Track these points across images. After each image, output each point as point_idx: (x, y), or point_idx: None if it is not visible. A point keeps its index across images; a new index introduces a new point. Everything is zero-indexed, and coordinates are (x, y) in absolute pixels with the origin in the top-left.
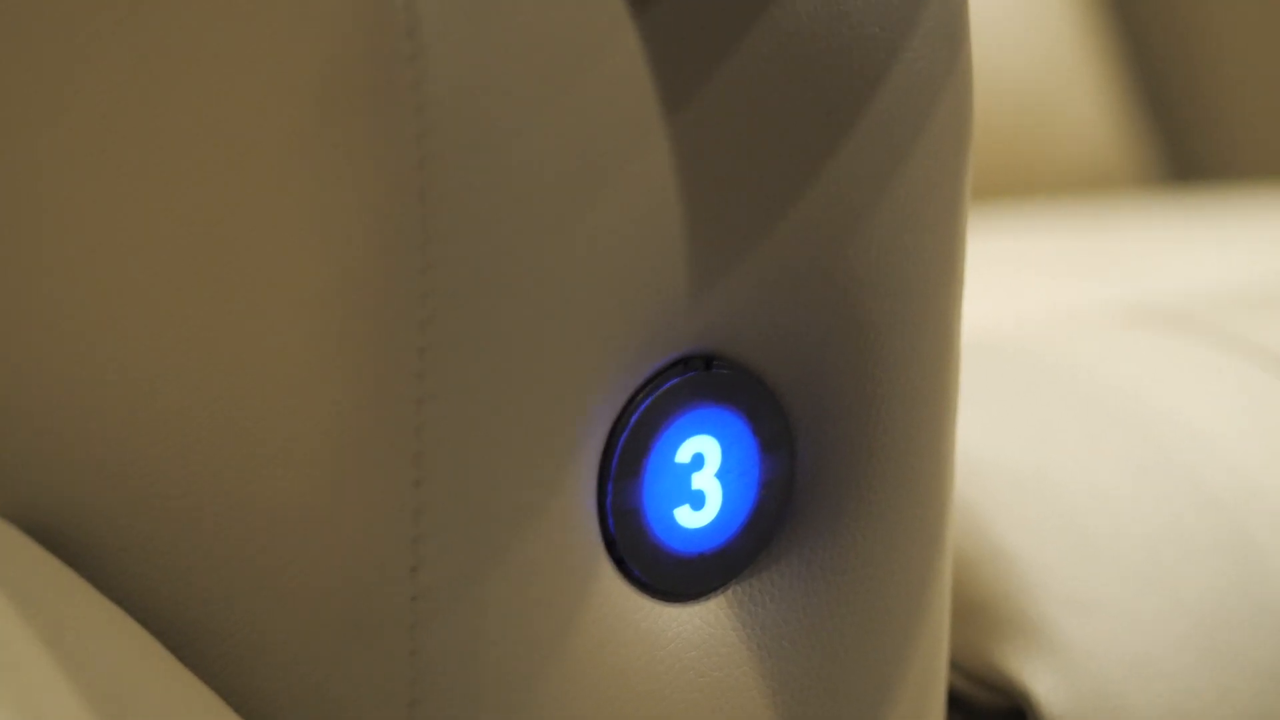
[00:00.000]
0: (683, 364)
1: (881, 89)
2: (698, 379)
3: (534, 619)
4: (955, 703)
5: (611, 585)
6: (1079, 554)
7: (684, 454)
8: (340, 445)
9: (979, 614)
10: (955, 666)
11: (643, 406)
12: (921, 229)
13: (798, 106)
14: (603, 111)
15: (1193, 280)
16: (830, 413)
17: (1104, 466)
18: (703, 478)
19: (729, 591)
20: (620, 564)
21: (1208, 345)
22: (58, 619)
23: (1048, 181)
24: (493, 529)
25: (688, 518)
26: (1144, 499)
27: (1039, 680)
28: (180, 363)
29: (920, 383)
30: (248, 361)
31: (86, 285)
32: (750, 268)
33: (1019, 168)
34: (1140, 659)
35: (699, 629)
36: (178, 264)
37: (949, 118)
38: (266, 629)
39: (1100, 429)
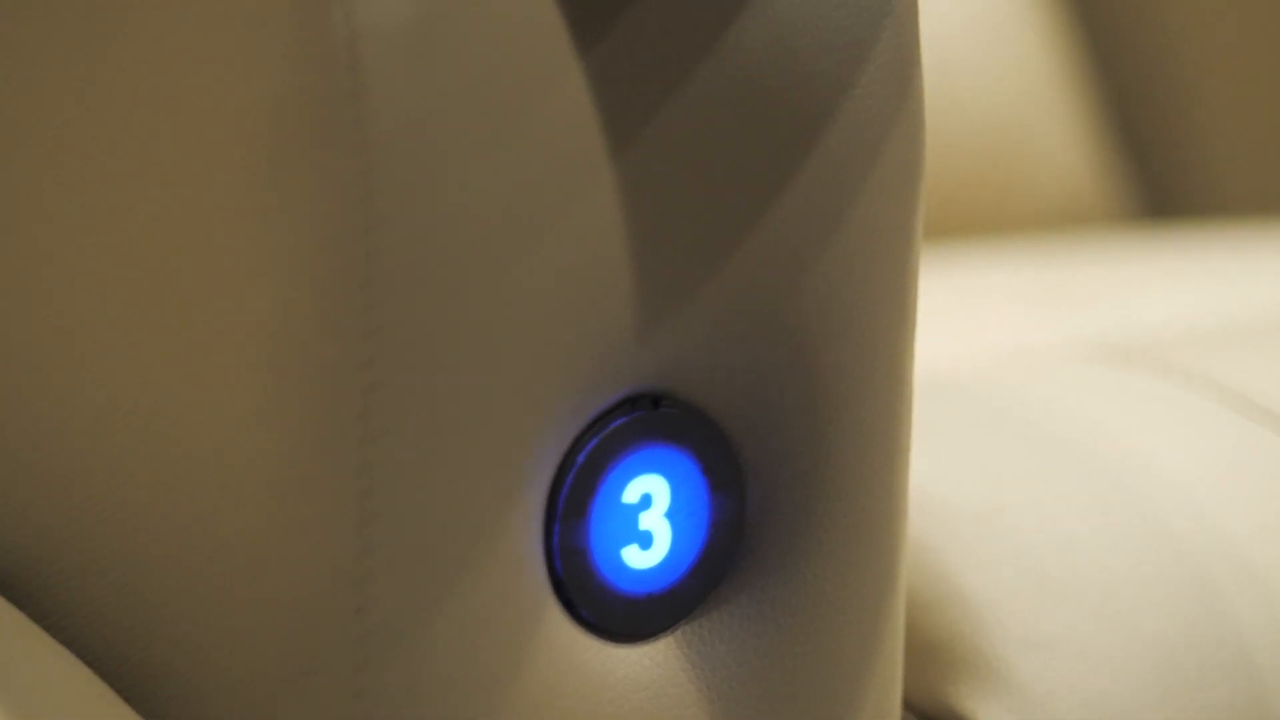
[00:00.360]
0: (630, 403)
1: (830, 127)
2: (646, 418)
3: (481, 660)
4: None
5: (559, 626)
6: (1036, 593)
7: (632, 494)
8: (284, 485)
9: (934, 654)
10: (910, 707)
11: (589, 446)
12: (872, 267)
13: (746, 144)
14: (548, 149)
15: (1160, 316)
16: (780, 452)
17: (1063, 505)
18: (651, 518)
19: (678, 632)
20: (568, 605)
21: (1171, 382)
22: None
23: (1020, 217)
24: (438, 570)
25: (636, 558)
26: (1103, 538)
27: None
28: (133, 398)
29: (872, 421)
30: (198, 399)
31: (40, 317)
32: (698, 307)
33: (990, 203)
34: (1098, 699)
35: (648, 670)
36: (130, 300)
37: (899, 155)
38: (212, 671)
39: (1060, 467)
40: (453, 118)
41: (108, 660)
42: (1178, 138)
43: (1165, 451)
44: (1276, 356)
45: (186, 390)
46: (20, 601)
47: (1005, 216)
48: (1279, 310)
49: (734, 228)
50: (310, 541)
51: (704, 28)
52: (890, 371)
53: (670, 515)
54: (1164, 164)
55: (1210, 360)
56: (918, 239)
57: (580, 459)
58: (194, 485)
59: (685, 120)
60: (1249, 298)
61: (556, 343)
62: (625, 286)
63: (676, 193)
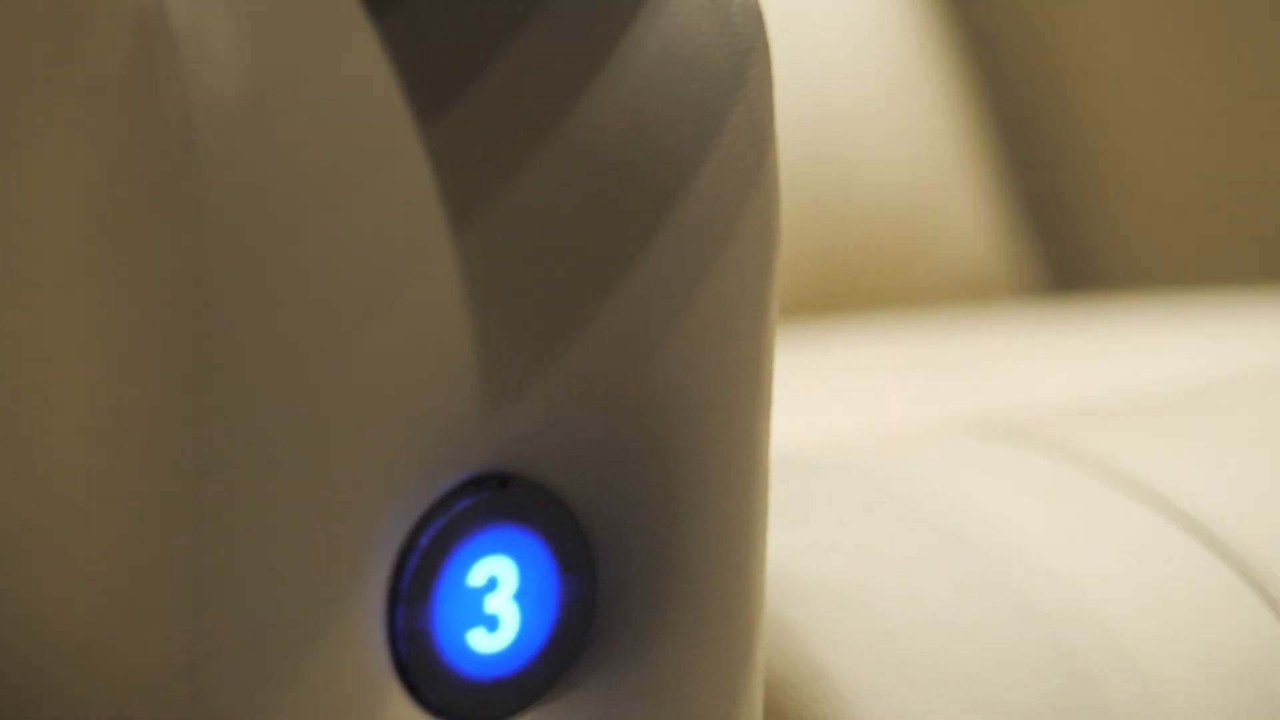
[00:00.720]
0: (477, 483)
1: (681, 203)
2: (492, 499)
3: None
4: None
5: (403, 711)
6: (900, 674)
7: (478, 576)
8: (117, 572)
9: None
10: None
11: (433, 528)
12: (724, 345)
13: (594, 220)
14: (387, 225)
15: (1043, 392)
16: (632, 532)
17: (929, 585)
18: (498, 600)
19: (527, 717)
20: (412, 689)
21: (1045, 458)
22: None
23: (925, 290)
24: (275, 654)
25: (482, 641)
26: (968, 617)
27: None
28: None
29: (725, 501)
30: (34, 487)
31: None
32: (545, 385)
33: (894, 277)
34: None
35: None
36: None
37: (753, 232)
38: None
39: (926, 545)
40: (289, 194)
41: None
42: (1082, 211)
43: (1037, 529)
44: (1157, 431)
45: (23, 477)
46: None
47: (909, 290)
48: (1166, 385)
49: (582, 304)
50: (145, 627)
51: (552, 101)
52: (744, 450)
53: (518, 597)
54: (1068, 237)
55: (1087, 434)
56: (773, 316)
57: (424, 541)
58: (32, 575)
59: (531, 195)
60: (1138, 372)
61: (398, 423)
62: (469, 364)
63: (522, 268)
